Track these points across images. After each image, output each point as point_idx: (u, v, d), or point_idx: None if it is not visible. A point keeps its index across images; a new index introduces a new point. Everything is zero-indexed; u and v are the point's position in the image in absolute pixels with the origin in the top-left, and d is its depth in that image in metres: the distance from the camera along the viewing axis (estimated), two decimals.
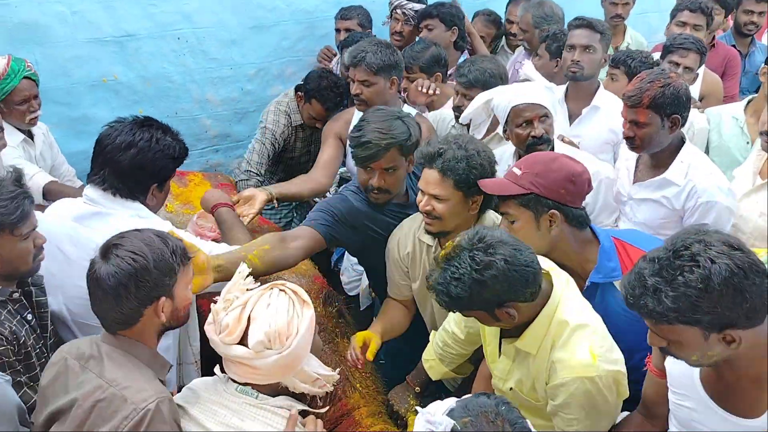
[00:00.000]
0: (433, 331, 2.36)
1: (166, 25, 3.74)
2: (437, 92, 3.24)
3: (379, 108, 2.49)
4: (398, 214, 2.52)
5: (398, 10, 3.87)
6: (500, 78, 2.96)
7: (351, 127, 2.98)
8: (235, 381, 1.67)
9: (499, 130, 2.97)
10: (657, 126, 2.42)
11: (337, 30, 3.93)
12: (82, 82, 3.61)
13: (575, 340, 1.78)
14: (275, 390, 1.68)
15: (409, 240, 2.41)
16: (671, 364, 1.67)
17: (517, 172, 2.06)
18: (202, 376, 2.19)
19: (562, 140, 2.80)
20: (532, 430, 1.42)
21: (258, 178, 3.40)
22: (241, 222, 2.48)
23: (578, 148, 2.86)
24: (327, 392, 1.80)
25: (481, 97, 2.70)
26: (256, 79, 4.09)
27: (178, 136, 2.18)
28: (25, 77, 2.78)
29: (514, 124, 2.58)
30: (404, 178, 2.47)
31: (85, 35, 3.54)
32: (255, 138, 3.54)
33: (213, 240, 2.36)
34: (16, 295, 1.94)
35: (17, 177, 1.89)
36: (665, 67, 2.68)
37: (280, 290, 1.67)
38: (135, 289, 1.60)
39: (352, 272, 3.43)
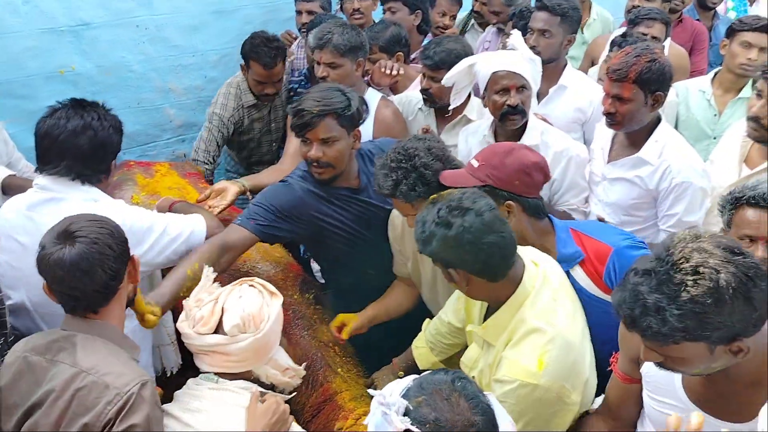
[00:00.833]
0: (427, 319, 2.33)
1: (123, 12, 3.62)
2: (401, 72, 3.20)
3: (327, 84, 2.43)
4: (349, 200, 2.44)
5: None
6: (465, 57, 2.92)
7: None
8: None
9: (467, 111, 2.99)
10: (640, 102, 2.38)
11: (299, 12, 3.84)
12: (38, 74, 3.48)
13: (527, 343, 1.74)
14: (245, 380, 1.72)
15: (398, 219, 2.38)
16: (649, 368, 1.59)
17: (475, 164, 2.07)
18: (181, 358, 2.30)
19: (536, 116, 2.79)
20: (492, 403, 1.34)
21: (206, 166, 3.35)
22: (196, 206, 2.47)
23: (551, 124, 2.85)
24: (300, 382, 1.84)
25: (465, 61, 2.67)
26: (219, 65, 4.00)
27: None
28: None
29: (492, 90, 2.56)
30: (347, 152, 2.37)
31: (38, 25, 3.41)
32: (204, 125, 3.48)
33: None
34: None
35: None
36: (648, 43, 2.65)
37: (250, 285, 1.75)
38: (117, 249, 1.63)
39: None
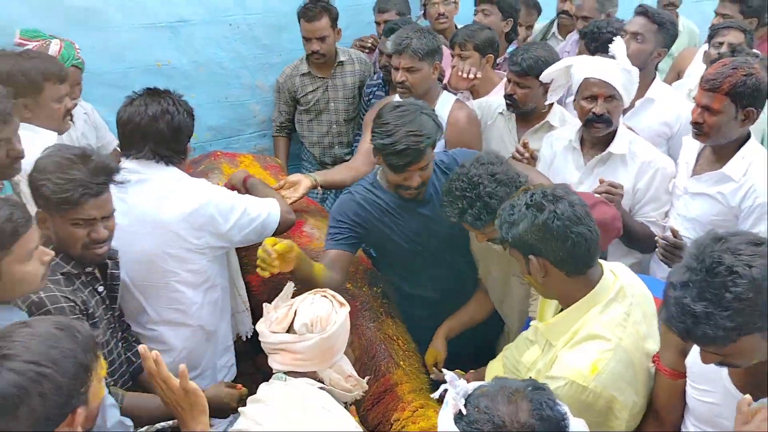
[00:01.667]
0: (508, 346, 2.26)
1: (218, 10, 3.80)
2: (478, 76, 3.23)
3: (396, 105, 2.37)
4: (412, 212, 2.46)
5: None
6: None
7: None
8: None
9: (549, 118, 2.99)
10: (729, 116, 2.31)
11: (377, 23, 3.96)
12: (136, 67, 3.69)
13: (586, 346, 1.73)
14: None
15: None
16: (693, 358, 1.60)
17: None
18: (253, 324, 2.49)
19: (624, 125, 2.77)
20: (569, 420, 1.30)
21: (278, 133, 3.92)
22: (268, 185, 2.64)
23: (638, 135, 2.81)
24: (362, 394, 1.90)
25: (564, 61, 2.71)
26: None
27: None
28: (72, 65, 2.86)
29: (582, 95, 2.60)
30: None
31: (140, 20, 3.62)
32: None
33: None
34: (89, 269, 2.01)
35: (99, 167, 1.90)
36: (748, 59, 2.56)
37: (322, 295, 1.87)
38: (42, 410, 1.23)
39: None
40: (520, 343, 2.13)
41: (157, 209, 2.20)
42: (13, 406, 1.20)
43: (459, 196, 2.10)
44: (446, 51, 3.86)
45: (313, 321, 1.76)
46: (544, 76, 2.74)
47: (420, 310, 2.65)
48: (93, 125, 3.16)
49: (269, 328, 1.80)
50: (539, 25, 4.42)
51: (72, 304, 1.88)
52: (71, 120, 2.97)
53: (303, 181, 2.72)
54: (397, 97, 2.98)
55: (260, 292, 2.63)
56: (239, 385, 2.05)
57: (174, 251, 2.23)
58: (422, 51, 2.85)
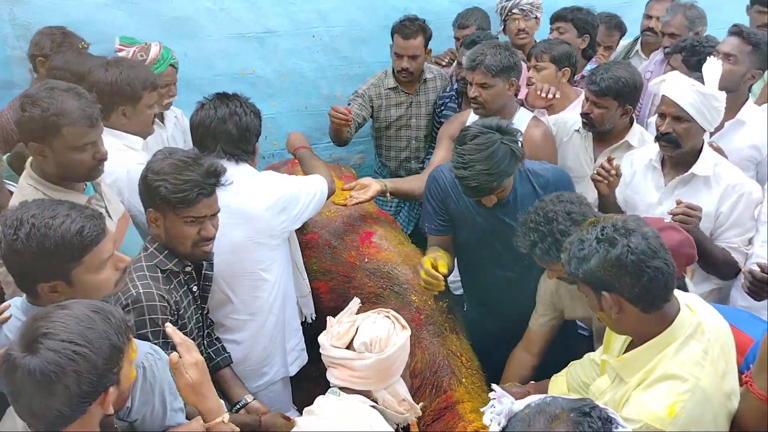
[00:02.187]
0: (573, 362, 2.24)
1: (303, 23, 3.93)
2: (557, 96, 3.19)
3: (476, 134, 2.34)
4: (487, 210, 2.49)
5: (515, 10, 3.86)
6: (634, 87, 2.84)
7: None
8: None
9: (629, 137, 2.92)
10: None
11: (457, 39, 3.96)
12: (224, 74, 3.87)
13: (662, 387, 1.64)
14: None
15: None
16: None
17: None
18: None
19: (711, 146, 2.66)
20: None
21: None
22: (320, 159, 2.81)
23: (726, 157, 2.71)
24: (415, 419, 1.92)
25: (662, 78, 2.65)
26: None
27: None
28: (170, 64, 3.05)
29: (657, 110, 2.58)
30: (511, 181, 2.45)
31: (230, 30, 3.80)
32: None
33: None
34: (188, 268, 2.13)
35: (213, 170, 2.01)
36: None
37: (385, 316, 1.88)
38: (77, 388, 1.28)
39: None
40: (586, 363, 2.09)
41: (241, 202, 2.34)
42: (50, 382, 1.26)
43: (532, 229, 2.11)
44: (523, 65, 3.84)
45: (372, 341, 1.78)
46: (652, 86, 2.69)
47: (477, 310, 2.72)
48: (181, 129, 3.34)
49: (330, 342, 1.83)
50: (623, 42, 4.30)
51: (165, 304, 1.99)
52: (162, 122, 3.17)
53: (373, 184, 2.81)
54: (472, 115, 2.98)
55: (327, 300, 2.69)
56: (293, 419, 2.08)
57: (261, 239, 2.40)
58: (496, 68, 2.83)
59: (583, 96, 3.00)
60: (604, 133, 2.93)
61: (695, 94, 2.46)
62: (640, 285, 1.64)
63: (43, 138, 2.04)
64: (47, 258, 1.59)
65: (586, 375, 2.08)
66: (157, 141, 3.04)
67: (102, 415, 1.38)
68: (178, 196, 1.95)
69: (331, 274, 2.72)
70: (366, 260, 2.65)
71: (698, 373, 1.65)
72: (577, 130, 3.03)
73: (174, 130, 3.28)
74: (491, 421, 1.30)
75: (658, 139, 2.54)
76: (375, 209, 2.79)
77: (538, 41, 3.49)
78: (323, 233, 2.81)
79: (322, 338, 1.86)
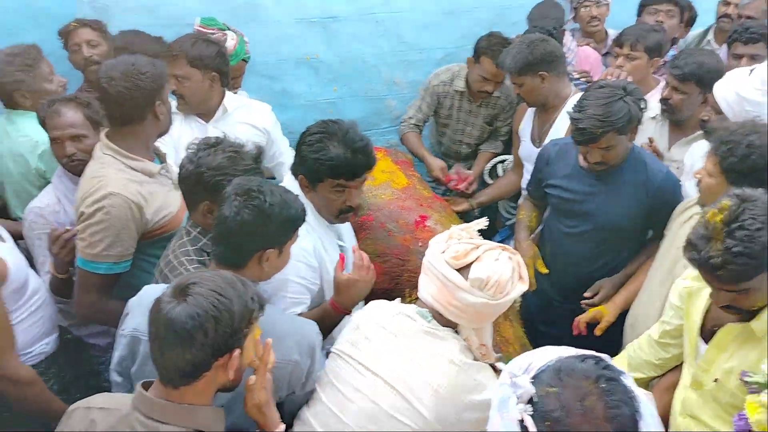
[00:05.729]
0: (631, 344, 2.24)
1: (366, 8, 3.96)
2: None
3: (602, 85, 2.45)
4: (585, 177, 2.58)
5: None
6: (717, 74, 2.71)
7: (523, 122, 3.24)
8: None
9: None
10: None
11: None
12: (288, 59, 3.94)
13: None
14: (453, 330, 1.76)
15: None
16: None
17: None
18: None
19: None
20: (643, 417, 1.13)
21: (412, 129, 3.69)
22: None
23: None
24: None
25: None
26: (443, 63, 4.12)
27: None
28: (242, 59, 3.14)
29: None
30: (623, 151, 2.47)
31: (295, 15, 3.86)
32: None
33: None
34: None
35: (257, 155, 2.08)
36: None
37: (509, 257, 1.73)
38: (213, 334, 1.38)
39: None
40: (644, 342, 2.13)
41: None
42: (195, 327, 1.36)
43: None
44: (592, 52, 3.75)
45: (490, 281, 1.64)
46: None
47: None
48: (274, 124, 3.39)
49: (444, 256, 1.68)
50: (694, 32, 4.15)
51: None
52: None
53: (462, 204, 3.31)
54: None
55: (380, 281, 2.71)
56: None
57: None
58: (516, 67, 2.94)
59: (662, 84, 2.93)
60: (681, 122, 2.87)
61: (735, 95, 2.38)
62: None
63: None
64: (290, 224, 1.81)
65: (647, 354, 2.11)
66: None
67: (221, 382, 1.46)
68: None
69: (386, 256, 2.75)
70: (420, 245, 2.67)
71: None
72: (653, 117, 2.96)
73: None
74: (511, 408, 1.15)
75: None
76: (430, 194, 2.80)
77: (625, 28, 3.37)
78: (378, 215, 2.83)
79: (435, 246, 1.74)
